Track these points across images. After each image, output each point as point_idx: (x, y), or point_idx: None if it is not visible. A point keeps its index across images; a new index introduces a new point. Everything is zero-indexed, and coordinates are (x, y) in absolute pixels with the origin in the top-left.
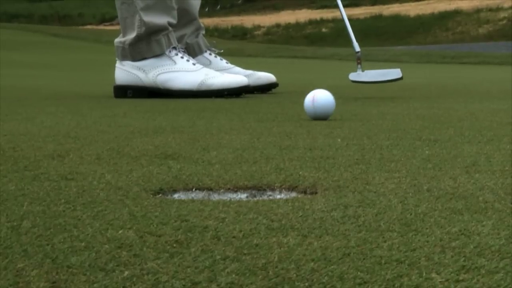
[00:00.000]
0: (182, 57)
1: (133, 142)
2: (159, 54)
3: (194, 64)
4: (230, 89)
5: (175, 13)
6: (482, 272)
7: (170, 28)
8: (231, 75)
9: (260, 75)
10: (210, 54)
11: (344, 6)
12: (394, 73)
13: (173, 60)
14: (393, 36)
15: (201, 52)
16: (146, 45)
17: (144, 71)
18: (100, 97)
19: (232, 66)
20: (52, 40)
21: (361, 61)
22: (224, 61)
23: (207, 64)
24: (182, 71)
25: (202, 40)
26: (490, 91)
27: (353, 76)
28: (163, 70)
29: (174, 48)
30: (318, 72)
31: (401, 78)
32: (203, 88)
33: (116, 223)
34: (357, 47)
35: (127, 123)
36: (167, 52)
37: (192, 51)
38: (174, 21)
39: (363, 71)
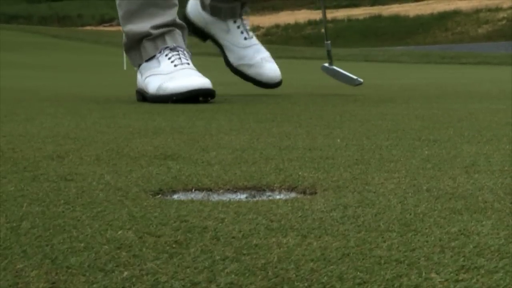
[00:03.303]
0: (169, 58)
1: (133, 143)
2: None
3: (176, 65)
4: (178, 94)
5: (171, 11)
6: (481, 272)
7: (155, 32)
8: (190, 78)
9: (263, 72)
10: (236, 23)
11: (344, 6)
12: (352, 80)
13: (159, 61)
14: (392, 36)
15: (234, 15)
16: (136, 53)
17: (141, 74)
18: (99, 98)
19: (253, 43)
20: (51, 41)
21: (330, 53)
22: (248, 37)
23: (226, 30)
24: (157, 74)
25: (240, 7)
26: (490, 91)
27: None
28: (150, 72)
29: (169, 48)
30: (317, 72)
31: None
32: (160, 92)
33: (115, 224)
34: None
35: (126, 124)
36: (157, 54)
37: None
38: (162, 21)
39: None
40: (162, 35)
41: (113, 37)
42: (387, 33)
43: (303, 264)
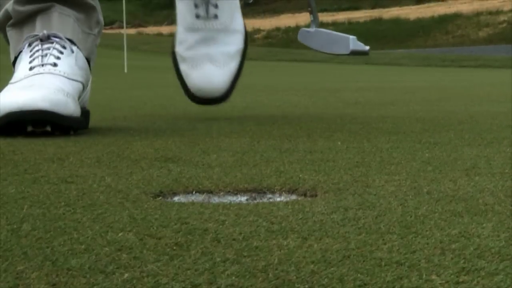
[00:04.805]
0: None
1: (133, 145)
2: None
3: (31, 68)
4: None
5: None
6: (482, 274)
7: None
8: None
9: (192, 75)
10: None
11: (344, 9)
12: (343, 44)
13: (20, 60)
14: (393, 39)
15: None
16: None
17: None
18: (100, 101)
19: (208, 27)
20: None
21: (313, 12)
22: (205, 17)
23: None
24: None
25: None
26: (490, 94)
27: (302, 36)
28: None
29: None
30: (318, 75)
31: (350, 54)
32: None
33: (116, 226)
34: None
35: (127, 126)
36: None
37: None
38: None
39: (316, 27)
40: (34, 15)
41: (114, 40)
42: (387, 36)
43: (303, 266)
